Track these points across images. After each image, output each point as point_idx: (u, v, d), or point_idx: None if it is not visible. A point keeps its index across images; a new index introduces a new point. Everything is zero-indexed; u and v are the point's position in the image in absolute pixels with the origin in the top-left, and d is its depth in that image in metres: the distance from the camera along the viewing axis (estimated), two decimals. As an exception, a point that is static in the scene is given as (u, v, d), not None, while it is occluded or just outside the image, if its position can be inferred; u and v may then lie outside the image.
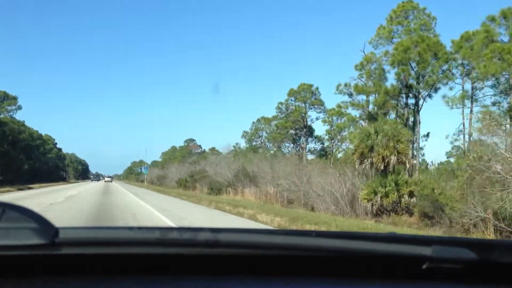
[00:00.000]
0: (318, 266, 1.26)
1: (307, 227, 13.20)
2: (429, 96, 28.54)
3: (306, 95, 45.62)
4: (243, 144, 56.90)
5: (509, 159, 12.91)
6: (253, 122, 53.24)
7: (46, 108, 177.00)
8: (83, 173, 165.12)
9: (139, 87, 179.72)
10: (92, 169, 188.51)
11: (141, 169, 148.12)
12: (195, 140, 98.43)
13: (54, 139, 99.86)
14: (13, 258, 1.09)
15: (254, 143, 53.11)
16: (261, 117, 52.07)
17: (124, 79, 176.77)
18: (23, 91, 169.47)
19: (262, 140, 51.75)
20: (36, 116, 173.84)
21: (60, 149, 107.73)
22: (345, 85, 32.45)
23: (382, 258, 1.24)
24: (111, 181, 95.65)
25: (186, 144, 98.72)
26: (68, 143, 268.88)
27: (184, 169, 57.12)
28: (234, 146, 54.18)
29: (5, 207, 1.07)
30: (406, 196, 18.66)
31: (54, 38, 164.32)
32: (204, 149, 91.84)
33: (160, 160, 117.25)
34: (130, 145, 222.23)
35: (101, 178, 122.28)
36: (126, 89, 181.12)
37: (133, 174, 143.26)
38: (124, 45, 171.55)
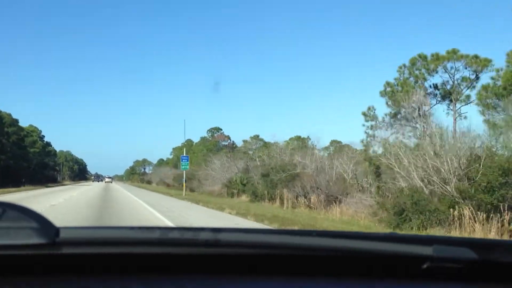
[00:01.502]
0: (318, 265, 1.25)
1: None
2: None
3: None
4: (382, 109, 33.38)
5: None
6: (403, 66, 25.90)
7: (43, 106, 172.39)
8: (80, 173, 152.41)
9: (137, 86, 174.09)
10: (91, 170, 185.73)
11: (144, 168, 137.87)
12: (221, 130, 76.13)
13: (40, 131, 78.08)
14: (13, 258, 1.08)
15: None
16: (419, 55, 25.38)
17: (123, 77, 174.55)
18: (20, 88, 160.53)
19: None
20: (32, 115, 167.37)
21: (48, 144, 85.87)
22: None
23: (383, 257, 1.23)
24: (111, 182, 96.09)
25: (210, 134, 76.21)
26: (66, 142, 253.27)
27: (236, 164, 36.38)
28: (366, 114, 25.34)
29: (5, 207, 1.06)
30: None
31: (53, 37, 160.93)
32: (233, 141, 71.43)
33: (171, 157, 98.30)
34: (130, 145, 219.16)
35: (101, 179, 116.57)
36: (125, 88, 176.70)
37: (135, 174, 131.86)
38: (124, 42, 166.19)
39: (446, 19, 78.45)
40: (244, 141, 61.47)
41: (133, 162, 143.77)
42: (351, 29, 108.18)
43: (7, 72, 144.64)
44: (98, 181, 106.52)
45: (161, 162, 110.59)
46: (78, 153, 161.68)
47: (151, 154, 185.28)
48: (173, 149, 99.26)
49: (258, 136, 58.85)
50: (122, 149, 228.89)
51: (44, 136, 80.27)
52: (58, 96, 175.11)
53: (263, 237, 1.25)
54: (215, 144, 70.09)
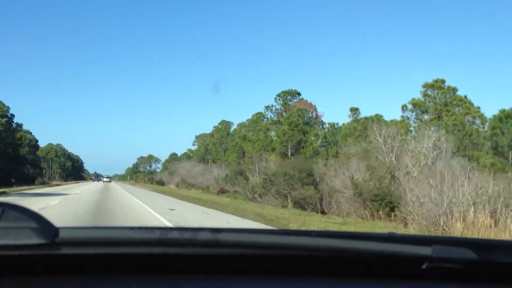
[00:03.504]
0: (318, 266, 1.24)
1: None
2: None
3: None
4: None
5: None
6: None
7: (42, 105, 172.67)
8: (74, 171, 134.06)
9: (137, 85, 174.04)
10: (90, 169, 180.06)
11: (150, 166, 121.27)
12: (300, 95, 45.56)
13: (7, 108, 54.43)
14: (13, 258, 1.08)
15: None
16: None
17: (123, 76, 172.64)
18: (18, 88, 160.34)
19: None
20: (32, 114, 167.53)
21: (19, 126, 59.66)
22: None
23: (382, 257, 1.23)
24: (110, 181, 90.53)
25: (281, 102, 45.98)
26: (65, 143, 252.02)
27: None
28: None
29: (5, 207, 1.06)
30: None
31: (53, 37, 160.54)
32: (317, 114, 43.25)
33: (195, 148, 75.60)
34: (129, 144, 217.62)
35: (101, 179, 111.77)
36: (124, 87, 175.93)
37: (139, 173, 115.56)
38: (124, 40, 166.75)
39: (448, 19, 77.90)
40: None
41: (137, 158, 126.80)
42: (351, 29, 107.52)
43: (6, 71, 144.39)
44: (98, 181, 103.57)
45: (174, 157, 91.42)
46: (76, 153, 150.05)
47: (152, 152, 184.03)
48: (197, 137, 73.79)
49: (357, 109, 38.24)
50: (122, 148, 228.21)
51: (13, 116, 55.83)
52: (57, 96, 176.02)
53: (262, 237, 1.24)
54: (300, 113, 40.42)
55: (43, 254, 1.08)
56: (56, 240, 1.06)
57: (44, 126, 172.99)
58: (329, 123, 39.48)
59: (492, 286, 1.27)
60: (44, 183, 62.53)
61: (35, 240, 1.03)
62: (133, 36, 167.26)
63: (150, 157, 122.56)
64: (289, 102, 45.21)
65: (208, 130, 69.59)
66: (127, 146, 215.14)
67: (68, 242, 1.09)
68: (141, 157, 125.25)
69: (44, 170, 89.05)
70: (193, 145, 75.64)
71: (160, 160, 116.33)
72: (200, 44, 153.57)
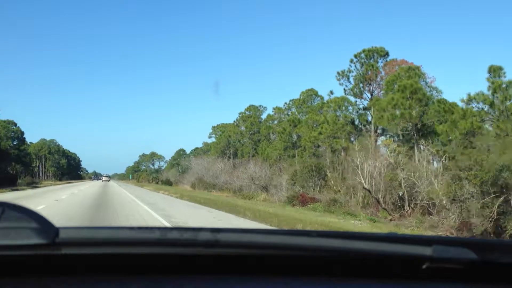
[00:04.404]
0: (318, 266, 1.24)
1: None
2: None
3: None
4: None
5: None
6: None
7: (42, 105, 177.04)
8: (71, 170, 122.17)
9: (135, 85, 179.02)
10: (89, 169, 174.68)
11: (153, 164, 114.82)
12: (388, 55, 32.50)
13: None
14: (13, 258, 1.08)
15: None
16: None
17: (122, 75, 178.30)
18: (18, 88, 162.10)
19: None
20: (32, 114, 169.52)
21: None
22: None
23: (383, 258, 1.23)
24: (109, 180, 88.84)
25: (360, 64, 31.95)
26: (64, 143, 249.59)
27: None
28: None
29: (5, 206, 1.06)
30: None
31: (53, 36, 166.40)
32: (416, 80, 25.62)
33: (211, 140, 63.38)
34: (130, 143, 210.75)
35: (100, 178, 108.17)
36: (123, 87, 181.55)
37: (142, 172, 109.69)
38: (123, 40, 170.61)
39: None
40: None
41: (139, 156, 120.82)
42: (350, 28, 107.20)
43: (6, 72, 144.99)
44: (97, 180, 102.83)
45: (181, 153, 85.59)
46: (76, 153, 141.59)
47: (153, 151, 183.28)
48: (215, 128, 60.32)
49: (501, 69, 16.49)
50: (122, 147, 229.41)
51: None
52: (56, 95, 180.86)
53: (262, 237, 1.24)
54: (411, 76, 25.59)
55: (43, 254, 1.08)
56: (56, 240, 1.06)
57: (43, 126, 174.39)
58: (493, 81, 20.47)
59: (492, 286, 1.27)
60: (33, 183, 53.54)
61: (35, 240, 1.03)
62: (133, 36, 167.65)
63: (153, 154, 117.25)
64: (375, 62, 32.03)
65: (213, 124, 60.77)
66: (127, 145, 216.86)
67: (68, 242, 1.09)
68: (143, 155, 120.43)
69: (36, 168, 78.55)
70: (209, 137, 62.48)
71: (163, 158, 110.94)
72: (200, 44, 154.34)
